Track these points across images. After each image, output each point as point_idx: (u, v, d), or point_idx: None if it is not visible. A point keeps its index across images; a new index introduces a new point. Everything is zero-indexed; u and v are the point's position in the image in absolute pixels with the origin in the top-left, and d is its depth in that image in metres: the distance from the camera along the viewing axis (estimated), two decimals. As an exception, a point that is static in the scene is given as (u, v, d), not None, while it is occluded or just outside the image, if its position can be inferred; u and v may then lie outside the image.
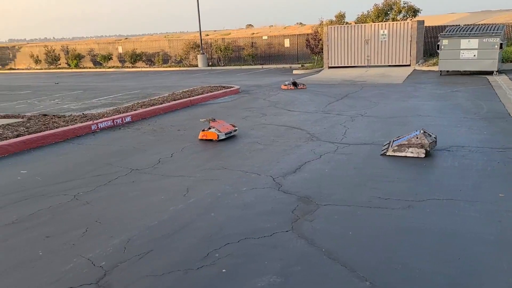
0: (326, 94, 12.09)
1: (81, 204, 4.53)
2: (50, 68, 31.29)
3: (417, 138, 5.69)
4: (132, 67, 29.08)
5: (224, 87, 13.59)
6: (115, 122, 8.58)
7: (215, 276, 3.08)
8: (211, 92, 12.43)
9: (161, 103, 10.47)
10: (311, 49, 23.46)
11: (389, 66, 18.89)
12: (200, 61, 26.79)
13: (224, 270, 3.15)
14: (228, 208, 4.29)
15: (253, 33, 36.19)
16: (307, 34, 24.77)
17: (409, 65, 18.52)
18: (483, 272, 2.97)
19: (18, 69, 33.03)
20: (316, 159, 5.80)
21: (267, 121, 8.58)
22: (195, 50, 27.61)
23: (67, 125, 7.90)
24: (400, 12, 22.03)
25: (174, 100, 10.99)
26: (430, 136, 5.82)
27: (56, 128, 7.69)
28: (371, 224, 3.80)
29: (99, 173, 5.56)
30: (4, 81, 22.19)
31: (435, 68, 16.17)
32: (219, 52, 27.09)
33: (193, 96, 11.63)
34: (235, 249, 3.45)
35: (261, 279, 3.01)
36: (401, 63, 18.76)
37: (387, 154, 5.80)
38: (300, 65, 23.21)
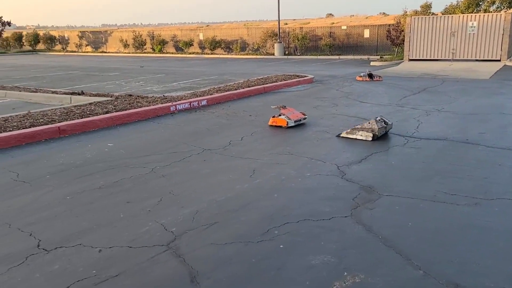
0: (402, 87, 11.73)
1: (157, 177, 4.97)
2: (136, 52, 33.36)
3: (369, 123, 6.37)
4: (211, 53, 30.09)
5: (297, 76, 13.69)
6: (192, 105, 9.10)
7: (273, 250, 3.30)
8: (285, 80, 12.60)
9: (236, 89, 10.86)
10: (392, 41, 22.66)
11: (476, 60, 17.73)
12: (277, 49, 27.03)
13: (281, 246, 3.35)
14: (291, 191, 4.47)
15: (333, 23, 35.58)
16: (388, 25, 23.93)
17: (499, 60, 17.23)
18: (547, 275, 2.87)
19: (108, 52, 35.62)
20: (383, 151, 5.77)
21: (338, 111, 8.59)
22: (273, 38, 27.88)
23: (149, 105, 8.54)
24: (493, 3, 20.48)
25: (248, 86, 11.33)
26: (385, 123, 6.47)
27: (140, 107, 8.35)
28: (432, 217, 3.77)
29: (175, 151, 6.01)
30: (97, 63, 24.11)
31: (529, 65, 14.93)
32: (296, 41, 27.12)
33: (267, 83, 11.89)
34: (293, 228, 3.64)
35: (315, 257, 3.17)
36: (489, 58, 17.52)
37: (341, 135, 6.51)
38: (379, 57, 22.55)
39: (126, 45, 34.58)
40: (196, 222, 3.79)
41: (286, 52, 27.48)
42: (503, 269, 2.94)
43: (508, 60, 17.11)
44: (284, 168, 5.19)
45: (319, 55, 25.89)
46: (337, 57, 25.02)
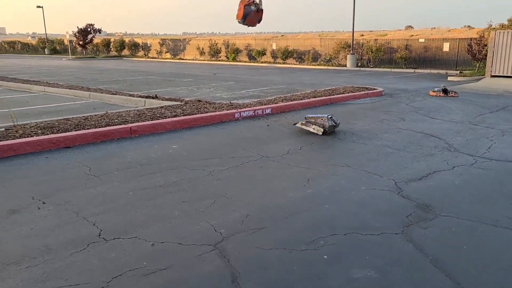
0: (479, 104, 11.05)
1: (214, 179, 5.17)
2: (211, 60, 34.63)
3: (322, 119, 7.47)
4: (283, 63, 30.39)
5: (366, 88, 13.42)
6: (256, 113, 9.30)
7: (316, 260, 3.30)
8: (353, 92, 12.42)
9: (301, 99, 10.91)
10: (473, 55, 21.41)
11: None
12: (349, 61, 26.66)
13: (325, 256, 3.35)
14: (343, 203, 4.43)
15: (412, 35, 34.31)
16: (470, 39, 22.63)
17: None
18: None
19: (186, 59, 37.32)
20: (447, 170, 5.51)
21: (404, 126, 8.31)
22: (346, 49, 27.55)
23: (215, 111, 8.86)
24: None
25: (314, 97, 11.32)
26: (335, 122, 7.59)
27: (206, 112, 8.70)
28: (491, 243, 3.55)
29: (234, 156, 6.19)
30: (173, 69, 25.39)
31: None
32: (370, 53, 26.55)
33: (334, 94, 11.80)
34: (340, 240, 3.61)
35: (358, 271, 3.13)
36: None
37: (297, 125, 7.73)
38: (458, 72, 21.39)
39: (202, 53, 36.02)
40: (244, 226, 3.89)
41: (359, 64, 27.00)
42: None
43: None
44: (339, 180, 5.15)
45: (393, 68, 25.12)
46: (412, 70, 24.12)
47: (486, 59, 19.04)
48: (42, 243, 3.51)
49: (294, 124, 7.85)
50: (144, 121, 7.71)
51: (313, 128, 7.45)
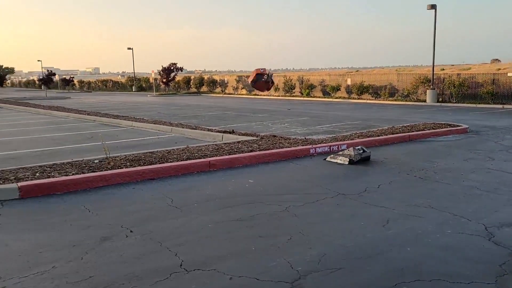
0: None
1: (290, 215, 5.17)
2: (285, 96, 35.19)
3: (349, 150, 7.81)
4: (358, 98, 30.02)
5: (449, 125, 12.78)
6: (331, 149, 9.23)
7: (399, 306, 3.14)
8: (434, 129, 11.89)
9: (378, 136, 10.65)
10: None
11: None
12: (429, 96, 25.65)
13: (409, 304, 3.17)
14: (427, 247, 4.20)
15: (499, 69, 32.37)
16: None
17: None
18: None
19: (260, 95, 38.29)
20: (546, 216, 5.01)
21: (494, 166, 7.75)
22: (425, 84, 26.61)
23: (290, 147, 8.95)
24: None
25: (392, 133, 11.00)
26: (364, 151, 7.89)
27: (281, 148, 8.81)
28: None
29: (309, 192, 6.17)
30: (249, 105, 26.15)
31: None
32: (452, 88, 25.38)
33: (413, 131, 11.38)
34: (425, 287, 3.41)
35: (446, 323, 2.92)
36: None
37: (326, 159, 8.04)
38: (553, 107, 19.64)
39: (276, 89, 36.76)
40: (322, 265, 3.83)
41: (440, 100, 25.85)
42: None
43: None
44: (422, 222, 4.90)
45: (478, 104, 23.70)
46: (500, 106, 22.58)
47: None
48: (130, 270, 3.72)
49: (324, 159, 8.13)
50: (222, 155, 8.00)
51: (340, 159, 7.78)
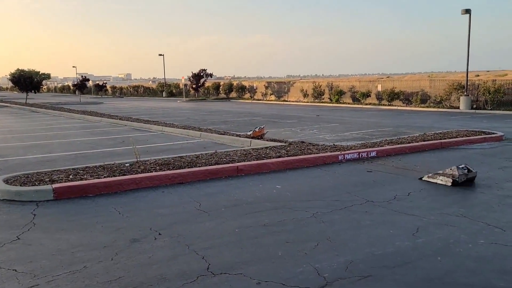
0: None
1: (318, 222, 5.14)
2: (314, 102, 35.03)
3: (451, 169, 6.79)
4: (389, 105, 29.54)
5: (484, 132, 12.39)
6: (360, 155, 9.12)
7: (428, 317, 3.07)
8: (467, 136, 11.56)
9: (409, 142, 10.45)
10: None
11: None
12: (463, 103, 24.99)
13: (438, 314, 3.10)
14: (459, 257, 4.09)
15: (536, 74, 31.23)
16: None
17: None
18: None
19: (289, 101, 38.28)
20: None
21: (531, 175, 7.47)
22: (458, 91, 25.95)
23: (318, 153, 8.90)
24: None
25: (424, 140, 10.77)
26: (469, 170, 6.80)
27: (309, 154, 8.77)
28: None
29: (337, 199, 6.11)
30: (277, 111, 26.17)
31: None
32: (487, 94, 24.64)
33: (445, 138, 11.10)
34: (456, 298, 3.32)
35: (478, 335, 2.83)
36: None
37: (423, 179, 7.06)
38: None
39: (305, 95, 36.67)
40: (349, 272, 3.79)
41: (474, 106, 25.13)
42: None
43: None
44: (454, 231, 4.77)
45: (515, 110, 22.90)
46: (538, 113, 21.74)
47: None
48: (158, 273, 3.79)
49: (420, 178, 7.15)
50: (250, 160, 8.04)
51: (441, 180, 6.78)
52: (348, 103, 32.68)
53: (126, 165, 7.60)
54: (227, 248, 4.34)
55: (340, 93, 33.68)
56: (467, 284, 3.54)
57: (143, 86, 65.50)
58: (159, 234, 4.74)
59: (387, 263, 3.97)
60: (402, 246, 4.36)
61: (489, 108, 24.45)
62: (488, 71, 48.30)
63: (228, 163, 7.79)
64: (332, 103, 33.50)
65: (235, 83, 47.31)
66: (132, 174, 6.95)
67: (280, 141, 10.70)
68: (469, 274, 3.72)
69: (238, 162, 7.91)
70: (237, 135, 12.25)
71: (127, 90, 66.94)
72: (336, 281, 3.61)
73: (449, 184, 6.64)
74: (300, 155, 8.68)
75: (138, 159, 7.90)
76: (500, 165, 8.43)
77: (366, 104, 30.88)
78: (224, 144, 11.39)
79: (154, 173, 7.00)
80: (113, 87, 71.66)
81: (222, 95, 46.81)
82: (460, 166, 6.87)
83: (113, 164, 7.66)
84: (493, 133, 12.23)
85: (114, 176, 6.81)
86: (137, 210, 5.66)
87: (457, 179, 6.63)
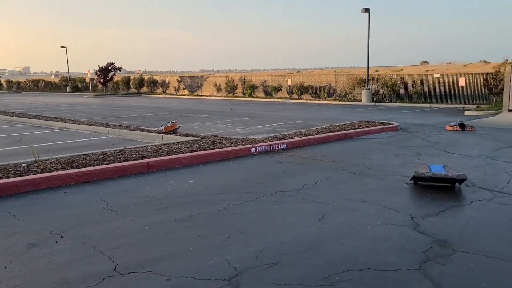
0: (497, 139, 10.93)
1: (230, 214, 5.19)
2: (228, 96, 35.24)
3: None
4: (299, 99, 30.72)
5: (382, 123, 13.44)
6: (271, 148, 9.37)
7: (331, 296, 3.26)
8: (368, 127, 12.45)
9: (316, 134, 10.97)
10: (490, 90, 21.36)
11: None
12: (365, 96, 26.82)
13: (340, 293, 3.30)
14: (358, 238, 4.39)
15: (427, 70, 34.51)
16: (486, 73, 22.63)
17: None
18: None
19: (203, 95, 38.07)
20: (465, 205, 5.43)
21: (421, 161, 8.25)
22: (361, 85, 27.79)
23: (231, 146, 8.98)
24: None
25: (330, 132, 11.38)
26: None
27: (222, 148, 8.81)
28: (510, 279, 3.46)
29: (249, 190, 6.22)
30: (191, 105, 25.88)
31: None
32: (385, 88, 26.71)
33: (349, 129, 11.84)
34: (356, 276, 3.56)
35: (374, 309, 3.07)
36: None
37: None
38: (474, 106, 21.29)
39: (219, 89, 36.73)
40: (259, 261, 3.88)
41: (374, 99, 27.11)
42: None
43: None
44: (355, 215, 5.12)
45: (409, 103, 25.12)
46: (428, 105, 24.09)
47: (503, 93, 18.95)
48: (60, 277, 3.55)
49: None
50: (161, 156, 7.85)
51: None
52: (261, 97, 33.39)
53: (23, 165, 6.99)
54: (136, 247, 4.21)
55: (253, 87, 34.27)
56: (366, 262, 3.81)
57: (44, 81, 60.53)
58: (61, 237, 4.44)
59: (295, 249, 4.14)
60: (309, 232, 4.58)
61: (387, 101, 26.53)
62: (387, 66, 52.28)
63: (138, 160, 7.53)
64: (245, 97, 33.97)
65: (146, 77, 45.81)
66: (30, 174, 6.42)
67: (193, 136, 10.60)
68: (368, 253, 4.02)
69: (148, 158, 7.69)
70: (148, 131, 11.90)
71: (25, 85, 61.42)
72: (246, 271, 3.68)
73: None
74: (212, 149, 8.69)
75: (37, 159, 7.31)
76: (396, 152, 9.20)
77: (278, 98, 31.80)
78: (134, 140, 10.99)
79: (55, 173, 6.53)
80: (9, 82, 65.31)
81: (133, 90, 45.05)
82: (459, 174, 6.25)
83: (7, 165, 7.01)
84: (390, 124, 13.31)
85: (9, 177, 6.24)
86: (36, 213, 5.25)
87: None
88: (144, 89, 44.14)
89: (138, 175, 7.15)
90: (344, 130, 11.69)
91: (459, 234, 4.45)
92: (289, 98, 31.60)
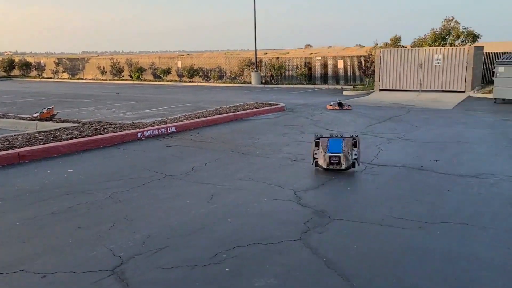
0: (369, 116, 12.06)
1: (114, 202, 4.96)
2: (114, 80, 33.36)
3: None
4: (189, 81, 30.34)
5: (269, 104, 13.93)
6: (160, 131, 9.14)
7: (218, 273, 3.33)
8: (256, 108, 12.81)
9: (206, 116, 10.98)
10: (363, 71, 23.36)
11: (443, 91, 18.38)
12: (254, 78, 27.47)
13: (227, 269, 3.38)
14: (246, 216, 4.53)
15: (311, 53, 36.59)
16: (360, 56, 24.71)
17: (464, 92, 17.92)
18: (477, 295, 2.98)
19: (85, 79, 35.49)
20: (341, 177, 5.91)
21: (304, 138, 8.76)
22: (250, 67, 28.37)
23: (116, 132, 8.55)
24: (458, 37, 21.43)
25: (219, 114, 11.47)
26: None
27: (106, 133, 8.34)
28: (378, 240, 3.88)
29: (136, 176, 6.01)
30: (72, 90, 23.98)
31: (491, 96, 15.58)
32: (273, 70, 27.64)
33: (238, 111, 12.06)
34: (242, 252, 3.68)
35: (259, 280, 3.21)
36: (455, 89, 18.20)
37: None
38: (352, 87, 23.15)
39: (103, 72, 34.57)
40: (145, 247, 3.79)
41: (263, 81, 27.93)
42: (436, 290, 3.04)
43: (472, 91, 17.80)
44: (243, 194, 5.26)
45: (295, 84, 26.40)
46: (312, 86, 25.57)
47: (374, 74, 20.91)
48: None
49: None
50: (35, 145, 7.16)
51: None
52: (150, 80, 32.25)
53: None
54: (5, 246, 3.82)
55: (141, 70, 32.88)
56: (252, 238, 3.95)
57: None
58: None
59: (183, 232, 4.12)
60: (197, 214, 4.59)
61: (275, 83, 27.55)
62: (274, 49, 54.23)
63: (6, 150, 6.77)
64: (133, 80, 32.50)
65: (17, 59, 41.13)
66: None
67: (73, 122, 9.85)
68: (254, 229, 4.17)
69: (19, 147, 6.95)
70: (19, 118, 10.75)
71: None
72: (132, 258, 3.57)
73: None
74: (95, 135, 8.18)
75: None
76: (281, 131, 9.62)
77: (168, 81, 31.03)
78: (3, 129, 9.84)
79: None
80: None
81: (2, 73, 40.17)
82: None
83: None
84: (277, 104, 13.87)
85: None
86: None
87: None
88: (16, 72, 39.60)
89: (7, 167, 6.44)
90: (234, 112, 11.87)
91: (335, 204, 4.85)
92: (180, 81, 31.03)
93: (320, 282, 3.17)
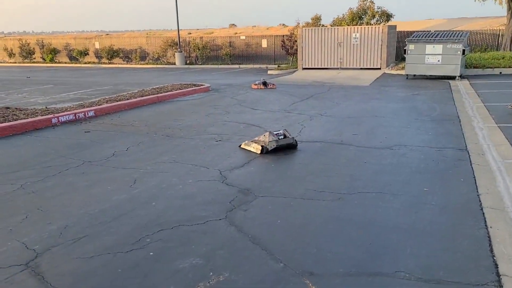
0: (293, 94, 12.35)
1: (26, 193, 4.64)
2: (24, 62, 30.84)
3: (264, 136, 6.24)
4: (109, 63, 28.89)
5: (194, 85, 13.71)
6: (77, 116, 8.64)
7: (142, 258, 3.25)
8: (181, 89, 12.55)
9: (128, 99, 10.55)
10: (286, 50, 23.76)
11: (361, 69, 19.30)
12: (178, 59, 26.81)
13: (151, 253, 3.32)
14: (170, 199, 4.46)
15: (236, 33, 36.28)
16: (283, 36, 25.07)
17: (380, 69, 18.95)
18: (386, 255, 3.21)
19: (-9, 62, 32.41)
20: (264, 155, 6.01)
21: (229, 118, 8.77)
22: (173, 48, 27.62)
23: (27, 118, 7.93)
24: (373, 16, 22.51)
25: (142, 96, 11.08)
26: (285, 136, 6.27)
27: (15, 120, 7.71)
28: (300, 214, 4.02)
29: (50, 165, 5.65)
30: (-25, 74, 21.80)
31: (403, 72, 16.64)
32: (197, 50, 27.15)
33: (161, 93, 11.73)
34: (167, 235, 3.63)
35: (184, 261, 3.20)
36: (372, 67, 19.18)
37: (241, 146, 6.45)
38: (276, 66, 23.48)
39: (11, 55, 31.78)
40: (62, 238, 3.60)
41: (188, 62, 27.38)
42: (353, 256, 3.23)
43: (387, 68, 18.89)
44: (167, 176, 5.16)
45: (220, 64, 26.21)
46: (237, 66, 25.54)
47: (297, 53, 21.37)
48: None
49: (239, 146, 6.44)
50: None
51: (253, 147, 6.19)
52: (65, 63, 30.24)
53: None
54: None
55: (54, 51, 30.69)
56: (177, 220, 3.91)
57: None
58: None
59: (103, 219, 3.97)
60: (119, 200, 4.43)
61: (200, 63, 27.13)
62: (198, 29, 53.12)
63: None
64: (46, 62, 30.27)
65: None
66: None
67: (-24, 109, 8.97)
68: (179, 211, 4.12)
69: None
70: None
71: None
72: (47, 250, 3.38)
73: (259, 152, 6.07)
74: (3, 122, 7.52)
75: None
76: (207, 112, 9.54)
77: (85, 63, 29.30)
78: None
79: None
80: None
81: None
82: (276, 132, 6.34)
83: None
84: (202, 85, 13.69)
85: None
86: None
87: (267, 146, 6.06)
88: None
89: None
90: (157, 94, 11.53)
91: (260, 181, 4.93)
92: (99, 63, 29.44)
93: (245, 258, 3.22)
